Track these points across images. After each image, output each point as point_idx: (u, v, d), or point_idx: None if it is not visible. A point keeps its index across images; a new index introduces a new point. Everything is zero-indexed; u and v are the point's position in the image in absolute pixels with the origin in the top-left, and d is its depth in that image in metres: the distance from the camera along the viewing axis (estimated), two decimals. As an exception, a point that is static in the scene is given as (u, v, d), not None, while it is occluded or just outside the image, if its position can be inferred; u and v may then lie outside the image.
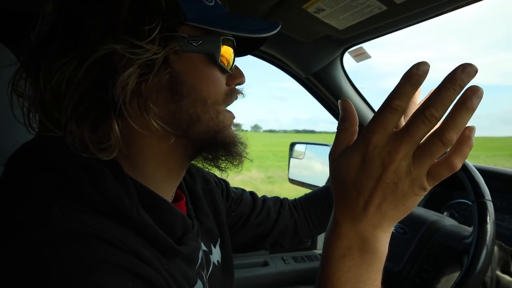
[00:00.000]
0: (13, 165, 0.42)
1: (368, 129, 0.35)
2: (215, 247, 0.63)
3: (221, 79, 0.49)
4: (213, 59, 0.47)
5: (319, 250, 1.51)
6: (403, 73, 0.33)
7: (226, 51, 0.49)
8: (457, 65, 0.32)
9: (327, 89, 1.25)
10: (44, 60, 0.41)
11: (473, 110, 0.32)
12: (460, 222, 1.07)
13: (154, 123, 0.43)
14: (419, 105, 0.33)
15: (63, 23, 0.42)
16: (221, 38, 0.47)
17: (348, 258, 0.37)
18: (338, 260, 0.37)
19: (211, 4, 0.48)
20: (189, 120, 0.46)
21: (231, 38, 0.49)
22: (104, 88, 0.41)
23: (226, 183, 0.77)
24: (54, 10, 0.43)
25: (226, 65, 0.49)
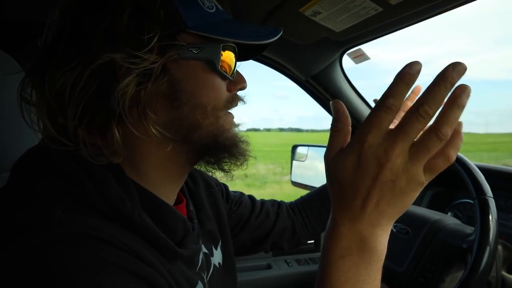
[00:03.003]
0: (18, 170, 0.43)
1: (362, 128, 0.35)
2: (216, 249, 0.64)
3: (222, 85, 0.49)
4: (213, 66, 0.47)
5: (323, 252, 1.50)
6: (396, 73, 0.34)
7: (227, 57, 0.49)
8: (448, 64, 0.33)
9: (327, 91, 1.25)
10: (50, 66, 0.41)
11: (464, 107, 0.33)
12: (464, 222, 1.06)
13: (153, 129, 0.44)
14: (413, 103, 0.34)
15: (68, 30, 0.42)
16: (221, 45, 0.47)
17: (347, 258, 0.37)
18: (337, 260, 0.38)
19: (211, 11, 0.48)
20: (189, 126, 0.46)
21: (232, 44, 0.49)
22: (105, 95, 0.41)
23: (225, 186, 0.78)
24: (60, 18, 0.44)
25: (227, 71, 0.49)
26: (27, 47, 0.45)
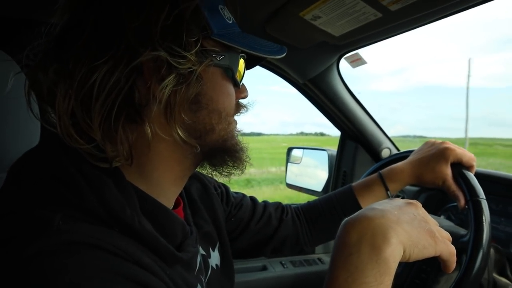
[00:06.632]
0: (15, 173, 0.42)
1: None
2: (214, 250, 0.63)
3: (233, 92, 0.51)
4: (231, 73, 0.49)
5: (317, 254, 1.51)
6: None
7: (241, 66, 0.51)
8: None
9: (324, 95, 1.26)
10: (69, 60, 0.40)
11: None
12: (456, 225, 1.08)
13: (178, 131, 0.44)
14: None
15: (91, 23, 0.41)
16: (239, 55, 0.50)
17: (355, 256, 0.39)
18: (346, 258, 0.40)
19: (230, 22, 0.50)
20: (203, 129, 0.47)
21: (244, 55, 0.52)
22: (134, 93, 0.41)
23: (226, 188, 0.77)
24: (77, 12, 0.42)
25: (238, 79, 0.51)
26: (22, 44, 0.44)
